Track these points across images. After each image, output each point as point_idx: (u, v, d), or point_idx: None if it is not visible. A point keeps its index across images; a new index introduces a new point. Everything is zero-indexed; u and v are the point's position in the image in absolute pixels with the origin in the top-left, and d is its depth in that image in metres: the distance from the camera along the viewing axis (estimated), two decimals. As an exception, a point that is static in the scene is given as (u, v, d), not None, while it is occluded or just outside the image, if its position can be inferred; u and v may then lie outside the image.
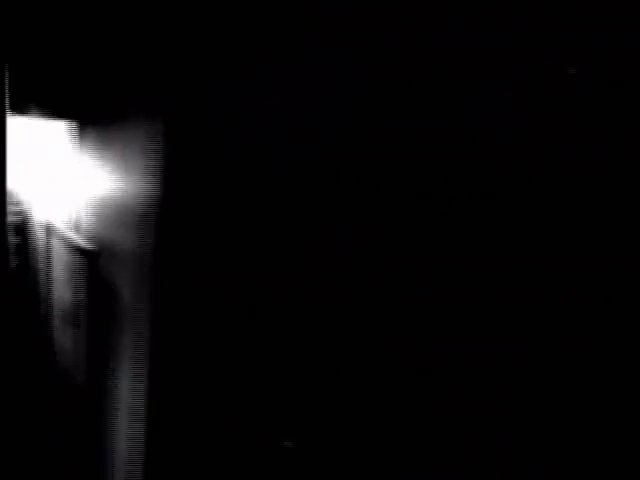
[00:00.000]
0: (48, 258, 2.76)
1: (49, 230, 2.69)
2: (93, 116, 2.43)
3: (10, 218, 3.13)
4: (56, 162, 2.81)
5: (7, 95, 2.43)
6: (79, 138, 2.61)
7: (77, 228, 2.72)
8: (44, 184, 2.93)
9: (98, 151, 2.38)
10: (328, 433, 1.81)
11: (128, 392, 2.07)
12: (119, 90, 2.15)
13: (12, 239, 3.17)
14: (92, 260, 2.21)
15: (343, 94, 1.67)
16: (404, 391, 1.61)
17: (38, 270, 3.11)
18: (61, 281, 2.62)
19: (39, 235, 3.02)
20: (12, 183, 3.13)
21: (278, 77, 1.82)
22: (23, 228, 3.17)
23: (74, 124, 2.59)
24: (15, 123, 3.07)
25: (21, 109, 2.33)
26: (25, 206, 3.16)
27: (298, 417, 1.90)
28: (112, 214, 2.26)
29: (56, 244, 2.62)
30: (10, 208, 3.12)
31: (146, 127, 1.89)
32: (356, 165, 1.68)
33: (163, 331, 1.92)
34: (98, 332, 2.29)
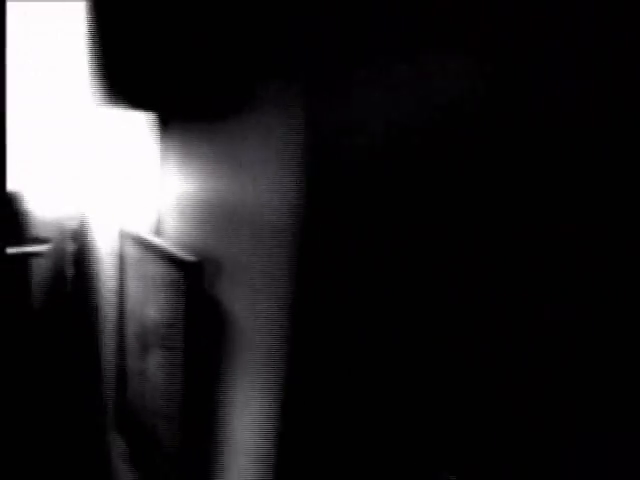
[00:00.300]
0: (121, 269, 2.38)
1: (124, 237, 2.31)
2: (188, 105, 2.05)
3: (67, 222, 2.76)
4: (134, 158, 2.43)
5: (93, 83, 2.07)
6: (166, 132, 2.24)
7: (162, 235, 2.35)
8: (116, 183, 2.55)
9: (195, 147, 2.01)
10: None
11: (247, 430, 1.69)
12: (231, 75, 1.77)
13: (69, 247, 2.79)
14: (194, 274, 1.84)
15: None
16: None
17: (103, 283, 2.73)
18: (139, 296, 2.24)
19: (107, 242, 2.64)
20: (67, 182, 2.75)
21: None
22: (81, 234, 2.80)
23: (159, 115, 2.22)
24: (80, 114, 2.70)
25: (102, 99, 1.96)
26: (85, 208, 2.78)
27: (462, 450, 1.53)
28: (216, 221, 1.89)
29: (134, 253, 2.24)
30: (67, 211, 2.75)
31: (278, 118, 1.52)
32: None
33: (298, 361, 1.55)
34: (200, 357, 1.91)
